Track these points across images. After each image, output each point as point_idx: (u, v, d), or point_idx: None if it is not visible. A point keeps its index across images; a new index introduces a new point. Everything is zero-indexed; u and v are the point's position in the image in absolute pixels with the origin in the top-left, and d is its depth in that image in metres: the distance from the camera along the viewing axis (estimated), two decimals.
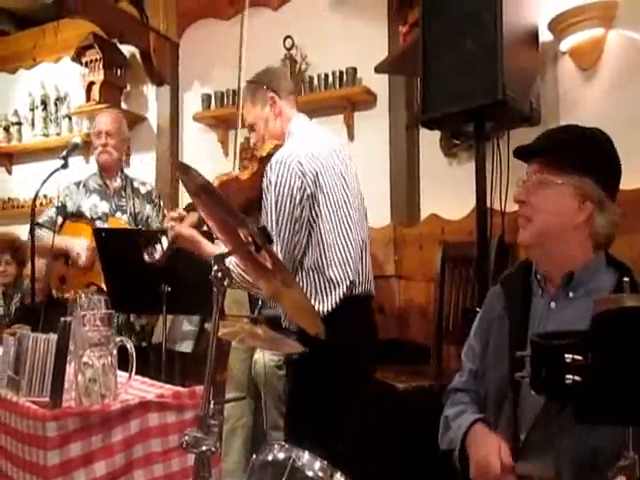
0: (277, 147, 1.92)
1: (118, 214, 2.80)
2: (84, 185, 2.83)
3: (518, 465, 1.16)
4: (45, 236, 2.64)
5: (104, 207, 2.78)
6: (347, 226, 1.86)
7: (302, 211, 1.78)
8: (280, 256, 1.71)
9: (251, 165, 2.02)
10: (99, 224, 2.72)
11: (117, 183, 2.84)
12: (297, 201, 1.77)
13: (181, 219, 1.93)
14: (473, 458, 1.25)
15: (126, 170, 3.01)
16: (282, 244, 1.76)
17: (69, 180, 2.88)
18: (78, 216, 2.76)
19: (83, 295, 1.40)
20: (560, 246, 1.27)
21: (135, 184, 2.92)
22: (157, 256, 2.08)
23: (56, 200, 2.79)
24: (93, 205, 2.78)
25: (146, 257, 2.11)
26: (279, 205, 1.77)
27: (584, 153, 1.27)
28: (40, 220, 2.73)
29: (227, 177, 2.03)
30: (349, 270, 1.82)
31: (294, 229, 1.78)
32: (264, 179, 1.82)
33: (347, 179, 1.92)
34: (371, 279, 1.94)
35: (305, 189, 1.78)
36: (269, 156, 1.88)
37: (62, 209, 2.77)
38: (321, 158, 1.84)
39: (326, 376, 1.75)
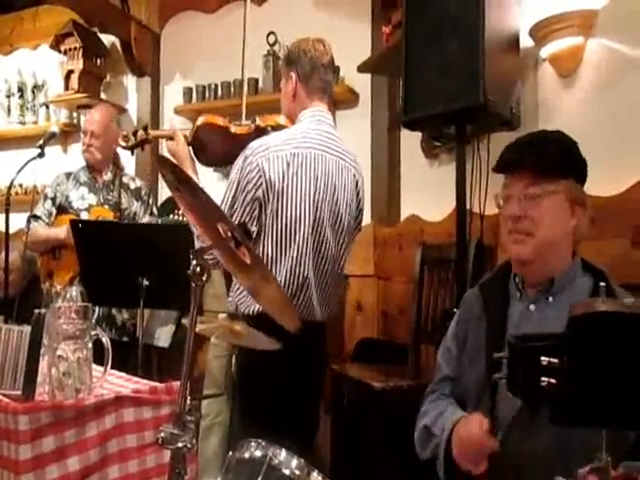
0: (276, 128, 1.88)
1: (105, 207, 2.77)
2: (74, 177, 2.81)
3: None
4: (39, 229, 2.66)
5: (91, 199, 2.76)
6: (293, 252, 1.76)
7: (252, 209, 1.74)
8: None
9: (249, 126, 2.00)
10: (83, 216, 2.68)
11: (107, 177, 2.82)
12: (249, 197, 1.74)
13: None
14: (456, 437, 1.24)
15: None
16: None
17: (49, 170, 2.89)
18: (67, 207, 2.73)
19: (59, 287, 1.38)
20: (555, 255, 1.27)
21: (125, 179, 2.88)
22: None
23: (50, 191, 2.77)
24: (81, 197, 2.76)
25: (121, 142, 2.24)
26: (237, 190, 1.74)
27: (563, 156, 1.28)
28: (38, 212, 2.72)
29: (218, 122, 2.01)
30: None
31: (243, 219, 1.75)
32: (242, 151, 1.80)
33: (327, 205, 1.80)
34: (315, 309, 1.82)
35: (257, 189, 1.74)
36: (262, 130, 1.85)
37: (55, 201, 2.76)
38: (295, 165, 1.75)
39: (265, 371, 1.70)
